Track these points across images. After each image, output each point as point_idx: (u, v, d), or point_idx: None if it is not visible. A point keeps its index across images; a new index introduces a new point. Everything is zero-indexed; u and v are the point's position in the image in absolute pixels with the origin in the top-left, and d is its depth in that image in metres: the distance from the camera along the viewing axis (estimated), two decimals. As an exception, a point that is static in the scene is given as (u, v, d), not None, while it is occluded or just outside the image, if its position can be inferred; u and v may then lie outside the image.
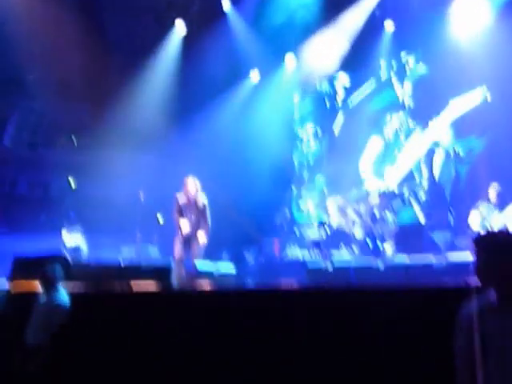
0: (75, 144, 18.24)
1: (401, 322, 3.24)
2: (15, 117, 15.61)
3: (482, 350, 2.32)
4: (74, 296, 5.37)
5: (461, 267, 4.96)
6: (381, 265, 5.63)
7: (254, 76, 12.59)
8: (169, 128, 15.09)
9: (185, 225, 6.92)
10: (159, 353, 4.67)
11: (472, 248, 2.55)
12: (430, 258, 5.49)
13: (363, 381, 3.25)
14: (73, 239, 10.58)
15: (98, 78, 17.41)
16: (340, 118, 11.56)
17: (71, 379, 5.10)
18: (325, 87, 12.03)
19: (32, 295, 5.63)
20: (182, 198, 6.92)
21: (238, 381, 3.95)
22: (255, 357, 3.93)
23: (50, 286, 5.38)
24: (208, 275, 6.79)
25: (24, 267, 6.68)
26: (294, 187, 11.33)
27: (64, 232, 10.66)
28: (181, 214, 6.96)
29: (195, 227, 6.93)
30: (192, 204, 6.97)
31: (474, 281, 2.51)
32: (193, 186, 6.97)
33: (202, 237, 6.79)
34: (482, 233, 2.58)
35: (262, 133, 11.74)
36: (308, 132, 12.23)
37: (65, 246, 10.37)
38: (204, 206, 6.92)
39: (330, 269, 6.21)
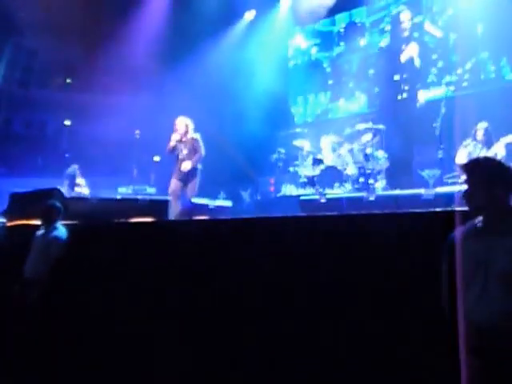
0: (69, 84, 18.04)
1: (392, 247, 3.31)
2: (6, 54, 15.24)
3: (467, 271, 2.36)
4: (71, 228, 5.43)
5: (449, 198, 5.07)
6: (372, 197, 5.71)
7: (249, 16, 12.38)
8: (162, 68, 14.95)
9: (178, 162, 7.16)
10: (158, 284, 4.76)
11: (460, 173, 2.58)
12: (420, 191, 5.57)
13: (360, 302, 3.36)
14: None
15: (91, 19, 16.97)
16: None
17: (69, 312, 5.21)
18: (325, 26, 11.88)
19: (29, 228, 5.69)
20: (174, 137, 7.13)
21: (236, 304, 4.06)
22: (252, 282, 4.01)
23: (47, 219, 5.42)
24: (204, 208, 6.88)
25: (20, 202, 6.75)
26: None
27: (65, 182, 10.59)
28: (173, 151, 7.21)
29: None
30: (184, 142, 7.19)
31: (463, 208, 2.57)
32: (182, 125, 7.18)
33: (186, 164, 6.94)
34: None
35: (256, 72, 11.65)
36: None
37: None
38: (194, 140, 7.12)
39: (324, 200, 6.30)
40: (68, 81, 18.90)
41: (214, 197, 11.60)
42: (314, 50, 12.20)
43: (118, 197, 8.05)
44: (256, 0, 12.09)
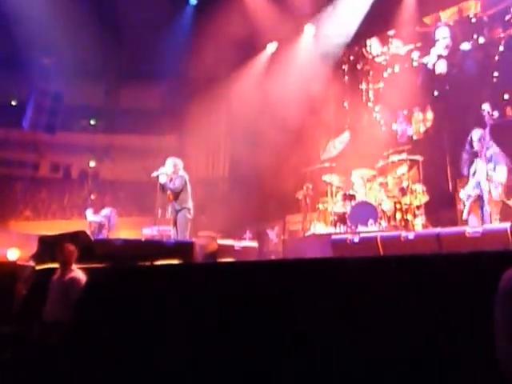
0: (93, 126, 18.54)
1: (437, 290, 3.05)
2: (33, 100, 15.72)
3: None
4: (96, 271, 5.35)
5: (498, 234, 4.70)
6: (410, 235, 5.43)
7: (272, 47, 12.55)
8: (185, 107, 15.30)
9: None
10: (184, 327, 4.63)
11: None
12: (464, 228, 5.22)
13: (399, 345, 3.12)
14: (97, 216, 10.66)
15: (113, 60, 17.56)
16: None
17: (92, 355, 5.09)
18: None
19: (50, 271, 5.66)
20: (162, 179, 7.75)
21: (263, 346, 3.87)
22: (279, 326, 3.83)
23: (66, 261, 5.39)
24: (229, 249, 6.77)
25: (48, 245, 6.76)
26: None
27: (89, 211, 10.74)
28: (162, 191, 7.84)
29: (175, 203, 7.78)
30: (171, 181, 7.83)
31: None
32: (170, 166, 7.81)
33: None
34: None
35: (281, 104, 11.72)
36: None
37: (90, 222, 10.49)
38: (178, 183, 7.77)
39: (356, 240, 6.05)
40: (92, 122, 19.48)
41: (240, 237, 11.54)
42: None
43: (143, 239, 8.03)
44: (280, 32, 12.25)
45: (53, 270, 5.78)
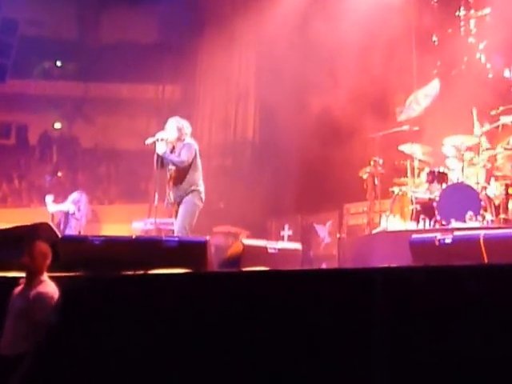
0: (61, 69, 18.90)
1: None
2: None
3: None
4: (65, 283, 5.49)
5: None
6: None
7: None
8: (196, 40, 15.57)
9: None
10: (194, 360, 4.80)
11: None
12: None
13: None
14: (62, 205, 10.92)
15: None
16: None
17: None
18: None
19: (4, 284, 5.79)
20: (161, 148, 8.00)
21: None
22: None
23: (35, 268, 5.48)
24: (260, 252, 6.86)
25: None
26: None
27: (49, 199, 11.00)
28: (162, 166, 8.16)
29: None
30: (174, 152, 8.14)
31: None
32: (173, 130, 8.09)
33: None
34: None
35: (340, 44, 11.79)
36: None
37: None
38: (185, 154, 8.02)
39: (449, 240, 6.08)
40: (59, 64, 19.74)
41: (276, 235, 11.62)
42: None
43: (134, 236, 8.17)
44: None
45: (11, 281, 5.89)
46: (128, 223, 11.28)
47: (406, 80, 12.16)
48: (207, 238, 7.04)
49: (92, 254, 6.66)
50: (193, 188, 7.87)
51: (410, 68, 12.22)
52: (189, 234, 7.67)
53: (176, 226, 7.86)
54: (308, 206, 12.30)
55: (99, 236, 7.39)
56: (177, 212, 7.90)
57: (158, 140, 7.84)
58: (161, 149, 7.82)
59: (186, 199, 7.84)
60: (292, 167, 12.56)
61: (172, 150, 7.99)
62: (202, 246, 6.78)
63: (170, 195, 8.01)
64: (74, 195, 11.21)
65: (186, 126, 8.11)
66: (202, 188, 7.95)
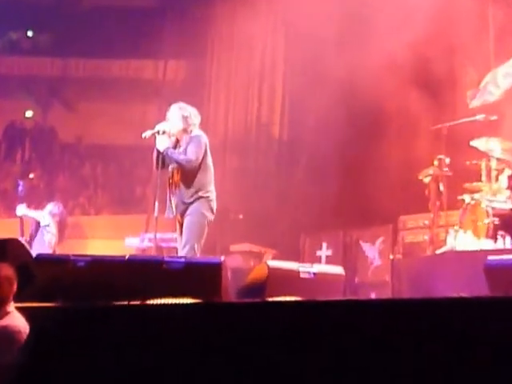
0: (32, 41, 19.01)
1: None
2: None
3: None
4: (39, 315, 5.55)
5: None
6: None
7: None
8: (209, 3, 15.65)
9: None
10: None
11: None
12: None
13: None
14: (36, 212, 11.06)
15: None
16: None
17: None
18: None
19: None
20: (162, 143, 8.15)
21: None
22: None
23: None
24: (290, 277, 6.90)
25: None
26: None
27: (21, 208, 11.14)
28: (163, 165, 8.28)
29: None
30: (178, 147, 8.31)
31: None
32: (177, 120, 8.21)
33: None
34: None
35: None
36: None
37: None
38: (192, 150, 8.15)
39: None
40: (30, 35, 19.78)
41: (311, 255, 11.64)
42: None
43: (127, 256, 8.23)
44: None
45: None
46: (120, 239, 11.40)
47: (480, 54, 12.12)
48: (222, 258, 7.10)
49: (74, 279, 6.76)
50: (201, 194, 7.95)
51: (485, 38, 12.18)
52: (198, 254, 7.74)
53: (181, 244, 7.93)
54: (352, 218, 12.29)
55: (84, 256, 7.45)
56: (181, 225, 7.98)
57: (158, 133, 7.95)
58: (162, 144, 7.91)
59: (192, 208, 7.93)
60: (331, 169, 12.60)
61: (176, 146, 8.09)
62: (214, 269, 6.84)
63: (173, 203, 8.10)
64: (50, 207, 11.30)
65: (194, 115, 8.22)
66: (213, 194, 8.05)
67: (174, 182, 8.01)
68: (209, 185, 8.01)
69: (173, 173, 7.99)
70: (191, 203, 7.90)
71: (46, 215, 11.17)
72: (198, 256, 7.73)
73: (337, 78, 12.56)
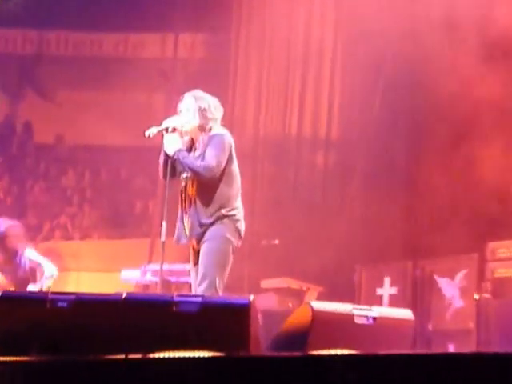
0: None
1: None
2: None
3: None
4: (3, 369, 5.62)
5: None
6: None
7: None
8: None
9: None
10: None
11: None
12: None
13: None
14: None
15: None
16: None
17: None
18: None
19: None
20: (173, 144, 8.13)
21: None
22: None
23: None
24: (341, 320, 6.93)
25: None
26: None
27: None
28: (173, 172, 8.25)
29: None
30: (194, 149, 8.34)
31: None
32: (193, 113, 8.12)
33: None
34: None
35: None
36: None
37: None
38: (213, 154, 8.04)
39: None
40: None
41: (370, 294, 11.68)
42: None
43: (124, 294, 8.28)
44: None
45: None
46: (114, 271, 11.44)
47: None
48: (250, 298, 7.10)
49: (54, 325, 6.81)
50: (225, 212, 7.87)
51: None
52: (219, 292, 7.73)
53: (196, 278, 7.89)
54: (424, 245, 12.38)
55: (66, 294, 7.50)
56: (197, 254, 7.95)
57: (166, 130, 7.88)
58: (171, 145, 7.84)
59: (212, 231, 7.85)
60: (394, 181, 12.68)
61: (191, 148, 8.11)
62: (241, 313, 6.84)
63: (186, 224, 8.09)
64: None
65: (215, 107, 8.16)
66: (240, 213, 8.00)
67: (187, 197, 7.94)
68: (234, 200, 7.94)
69: (186, 184, 7.91)
70: (211, 224, 7.81)
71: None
72: (220, 295, 7.74)
73: (403, 67, 12.62)
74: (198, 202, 7.91)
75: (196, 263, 7.95)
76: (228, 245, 7.85)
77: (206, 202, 7.87)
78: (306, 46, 15.40)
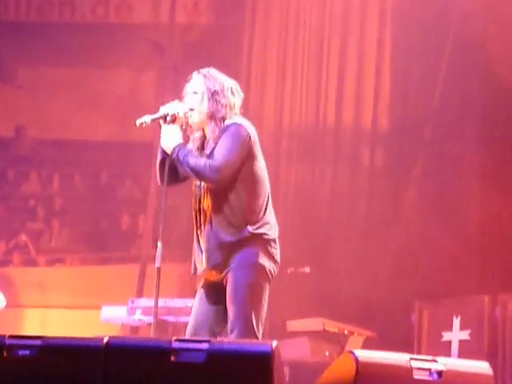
0: None
1: None
2: None
3: None
4: None
5: None
6: None
7: None
8: None
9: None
10: None
11: None
12: None
13: None
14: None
15: None
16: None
17: None
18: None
19: None
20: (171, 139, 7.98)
21: None
22: None
23: None
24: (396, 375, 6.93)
25: None
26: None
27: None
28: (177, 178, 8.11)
29: None
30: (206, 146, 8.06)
31: None
32: (201, 99, 7.93)
33: None
34: None
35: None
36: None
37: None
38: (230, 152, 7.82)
39: None
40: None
41: (434, 339, 11.68)
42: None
43: (106, 338, 8.30)
44: None
45: None
46: (93, 308, 11.46)
47: None
48: (274, 344, 7.05)
49: (13, 377, 6.82)
50: (252, 229, 7.61)
51: None
52: (259, 337, 7.52)
53: (215, 321, 7.77)
54: (504, 275, 12.41)
55: (28, 338, 7.53)
56: (214, 287, 7.74)
57: (164, 120, 7.76)
58: (171, 139, 7.81)
59: (238, 257, 7.58)
60: (462, 193, 12.71)
61: (203, 144, 7.92)
62: (261, 364, 6.82)
63: (196, 248, 7.92)
64: None
65: (231, 90, 7.99)
66: (271, 229, 7.77)
67: (202, 212, 7.74)
68: (263, 212, 7.66)
69: (200, 195, 7.74)
70: (235, 247, 7.54)
71: None
72: (232, 340, 7.66)
73: (468, 50, 12.69)
74: (215, 219, 7.67)
75: (214, 301, 7.75)
76: (262, 273, 7.61)
77: (225, 218, 7.63)
78: (344, 14, 15.40)
